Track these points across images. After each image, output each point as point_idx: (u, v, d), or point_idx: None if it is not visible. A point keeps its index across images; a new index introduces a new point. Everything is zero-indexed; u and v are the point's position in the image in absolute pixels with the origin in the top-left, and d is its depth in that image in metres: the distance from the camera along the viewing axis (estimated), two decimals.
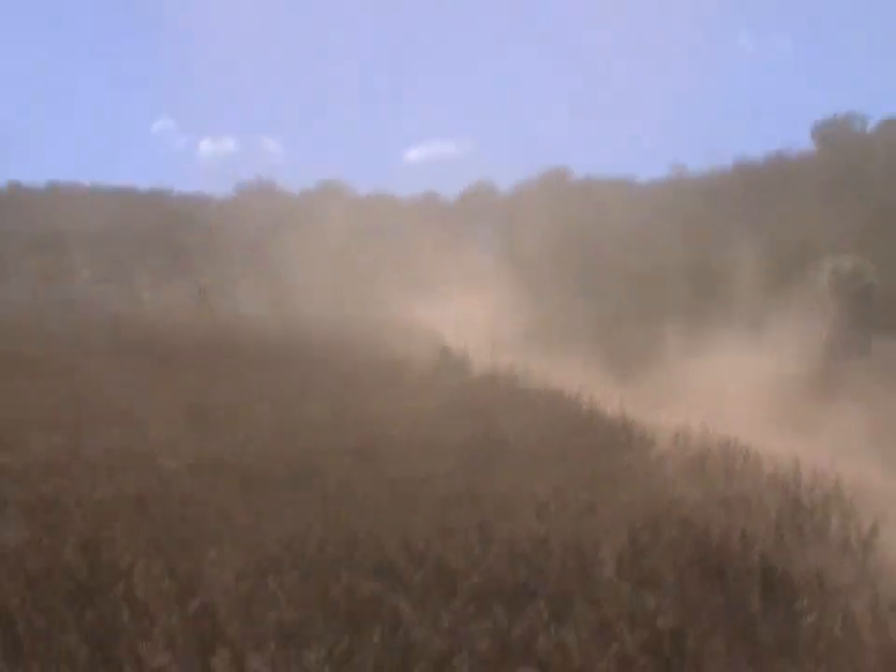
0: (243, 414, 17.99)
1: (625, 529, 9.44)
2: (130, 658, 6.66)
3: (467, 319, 31.86)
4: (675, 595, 7.94)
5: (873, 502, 11.97)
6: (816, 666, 6.89)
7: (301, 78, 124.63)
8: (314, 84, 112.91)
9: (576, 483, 12.11)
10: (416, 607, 7.52)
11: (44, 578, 7.97)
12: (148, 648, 6.68)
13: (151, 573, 7.94)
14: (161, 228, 60.62)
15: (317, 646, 6.82)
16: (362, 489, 11.89)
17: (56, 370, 23.05)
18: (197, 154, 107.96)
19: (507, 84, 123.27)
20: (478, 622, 7.26)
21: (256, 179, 75.04)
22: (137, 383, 21.93)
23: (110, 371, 23.63)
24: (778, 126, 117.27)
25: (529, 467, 13.14)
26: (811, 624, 7.42)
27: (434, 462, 13.43)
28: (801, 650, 7.19)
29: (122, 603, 7.30)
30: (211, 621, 7.11)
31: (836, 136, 66.87)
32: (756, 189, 52.61)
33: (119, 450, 14.00)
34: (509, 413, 18.13)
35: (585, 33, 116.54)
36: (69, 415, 17.13)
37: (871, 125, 67.25)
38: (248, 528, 9.95)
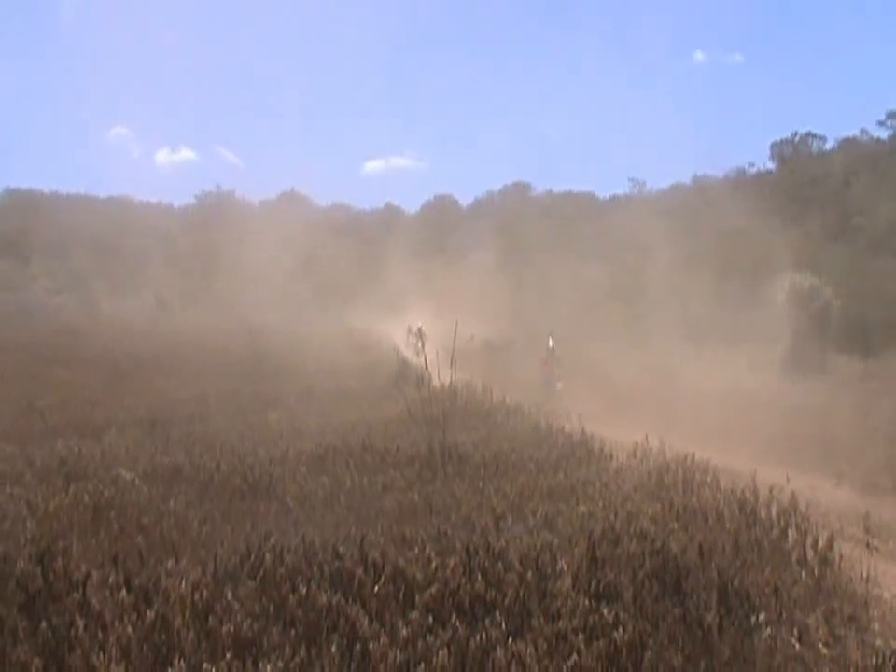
0: (201, 424, 17.94)
1: (584, 542, 9.45)
2: (84, 669, 6.59)
3: (426, 330, 31.87)
4: (633, 608, 7.95)
5: (828, 516, 12.06)
6: None
7: (259, 90, 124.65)
8: (271, 96, 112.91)
9: (534, 496, 12.12)
10: (374, 618, 7.49)
11: None
12: (103, 659, 6.61)
13: (107, 584, 7.86)
14: (119, 236, 60.11)
15: (274, 657, 6.77)
16: (320, 499, 11.86)
17: (13, 379, 22.88)
18: (154, 163, 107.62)
19: (467, 100, 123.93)
20: (435, 634, 7.24)
21: (215, 189, 74.85)
22: (95, 392, 21.81)
23: (68, 380, 23.48)
24: (738, 143, 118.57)
25: (487, 479, 13.14)
26: (768, 638, 7.45)
27: (392, 473, 13.42)
28: (758, 663, 7.22)
29: (77, 614, 7.22)
30: (167, 632, 7.05)
31: (794, 154, 67.78)
32: (714, 206, 53.00)
33: (75, 459, 13.89)
34: (467, 426, 18.14)
35: (541, 49, 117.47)
36: (25, 424, 17.01)
37: (829, 144, 68.24)
38: (205, 539, 9.89)
